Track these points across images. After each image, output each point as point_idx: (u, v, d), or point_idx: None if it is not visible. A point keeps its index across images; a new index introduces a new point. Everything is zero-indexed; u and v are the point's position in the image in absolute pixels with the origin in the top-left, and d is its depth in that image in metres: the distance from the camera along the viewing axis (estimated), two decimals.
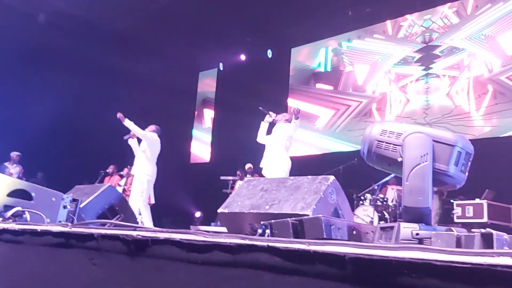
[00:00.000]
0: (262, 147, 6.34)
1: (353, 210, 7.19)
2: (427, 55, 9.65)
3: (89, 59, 11.17)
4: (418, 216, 2.01)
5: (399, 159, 2.11)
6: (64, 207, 2.82)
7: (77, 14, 10.72)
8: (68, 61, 11.13)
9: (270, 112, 6.25)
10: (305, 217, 1.98)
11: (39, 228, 1.85)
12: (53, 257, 1.74)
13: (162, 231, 1.47)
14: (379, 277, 0.93)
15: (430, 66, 9.63)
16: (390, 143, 2.19)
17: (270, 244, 1.12)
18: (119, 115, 6.69)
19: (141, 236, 1.40)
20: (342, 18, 10.13)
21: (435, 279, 0.86)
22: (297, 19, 10.15)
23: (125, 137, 7.02)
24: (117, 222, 2.55)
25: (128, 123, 6.70)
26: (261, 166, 6.08)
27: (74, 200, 3.01)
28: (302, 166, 6.46)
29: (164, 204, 8.76)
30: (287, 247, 1.09)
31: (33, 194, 2.69)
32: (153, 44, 11.51)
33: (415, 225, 1.84)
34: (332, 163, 8.48)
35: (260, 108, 6.29)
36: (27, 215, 2.56)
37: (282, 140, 6.01)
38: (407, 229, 1.82)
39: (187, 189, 11.32)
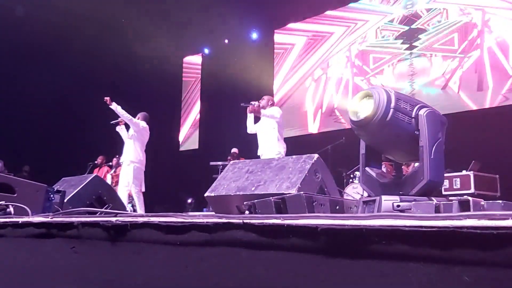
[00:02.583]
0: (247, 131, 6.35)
1: (343, 188, 7.23)
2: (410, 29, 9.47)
3: (74, 48, 11.01)
4: (437, 188, 2.02)
5: (416, 132, 1.99)
6: (49, 199, 2.80)
7: (58, 3, 10.52)
8: (52, 51, 10.95)
9: (252, 102, 6.19)
10: (287, 194, 1.99)
11: (20, 220, 1.84)
12: (36, 248, 1.73)
13: (142, 216, 1.47)
14: (351, 246, 0.94)
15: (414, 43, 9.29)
16: (406, 115, 2.03)
17: (246, 220, 1.12)
18: (106, 98, 6.56)
19: (120, 221, 1.40)
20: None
21: (404, 244, 0.87)
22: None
23: (112, 122, 6.93)
24: (99, 209, 2.54)
25: (115, 106, 6.58)
26: (258, 154, 6.08)
27: (58, 191, 2.99)
28: (290, 148, 6.47)
29: (156, 192, 8.76)
30: (261, 222, 1.09)
31: (16, 188, 2.67)
32: (137, 30, 11.35)
33: (396, 197, 1.86)
34: (320, 143, 8.51)
35: (242, 104, 6.23)
36: (11, 209, 2.54)
37: (271, 125, 5.99)
38: (388, 201, 1.84)
39: (178, 176, 11.32)
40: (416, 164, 2.15)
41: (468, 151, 6.92)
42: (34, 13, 10.61)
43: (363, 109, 2.02)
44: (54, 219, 1.68)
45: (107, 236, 1.43)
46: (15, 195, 2.67)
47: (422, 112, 1.97)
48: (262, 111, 6.04)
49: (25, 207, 2.49)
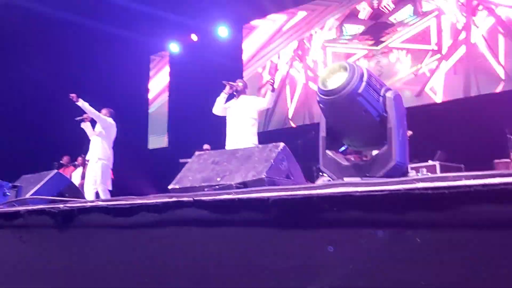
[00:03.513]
0: (221, 128, 6.18)
1: (313, 182, 7.25)
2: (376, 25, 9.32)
3: (38, 45, 10.69)
4: (403, 172, 1.98)
5: (384, 114, 1.94)
6: (4, 194, 2.68)
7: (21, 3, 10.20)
8: (17, 46, 10.61)
9: (237, 80, 5.63)
10: (249, 179, 1.94)
11: None
12: None
13: (91, 201, 1.40)
14: (302, 216, 0.90)
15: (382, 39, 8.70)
16: (376, 92, 1.98)
17: (196, 198, 1.07)
18: (72, 95, 6.34)
19: (68, 207, 1.33)
20: None
21: (356, 210, 0.84)
22: None
23: (77, 119, 6.73)
24: (52, 197, 2.44)
25: (82, 103, 6.38)
26: (227, 148, 5.52)
27: (14, 186, 2.86)
28: (261, 144, 6.43)
29: (124, 191, 8.55)
30: (212, 198, 1.05)
31: None
32: (103, 28, 11.11)
33: (358, 179, 1.84)
34: (289, 138, 8.50)
35: (224, 82, 5.64)
36: None
37: (251, 114, 5.42)
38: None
39: (147, 175, 11.12)
40: (375, 152, 2.12)
41: (434, 142, 7.03)
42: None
43: (335, 79, 1.95)
44: (1, 209, 1.58)
45: (54, 223, 1.35)
46: None
47: (390, 94, 1.95)
48: (271, 93, 5.32)
49: None
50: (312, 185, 1.00)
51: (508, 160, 5.91)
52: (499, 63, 7.07)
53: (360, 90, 1.88)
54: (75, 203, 1.34)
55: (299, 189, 0.94)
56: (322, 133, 2.17)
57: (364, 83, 1.90)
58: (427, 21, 8.07)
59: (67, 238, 1.32)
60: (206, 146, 9.30)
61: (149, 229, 1.13)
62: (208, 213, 1.05)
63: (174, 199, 1.11)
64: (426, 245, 0.76)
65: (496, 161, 6.04)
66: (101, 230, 1.23)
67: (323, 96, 1.99)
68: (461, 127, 7.23)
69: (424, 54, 7.95)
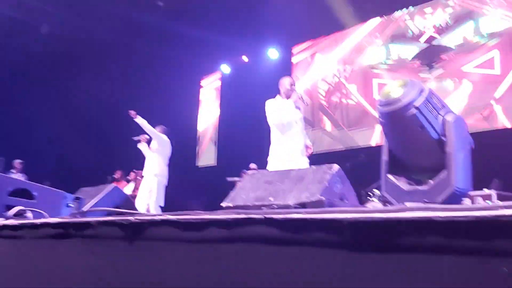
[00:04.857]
0: (267, 146, 6.20)
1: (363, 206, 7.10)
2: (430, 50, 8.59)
3: (97, 65, 11.23)
4: (461, 199, 1.93)
5: (443, 138, 1.89)
6: (67, 205, 2.80)
7: (80, 24, 10.78)
8: (78, 66, 11.18)
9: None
10: (308, 201, 1.93)
11: (38, 221, 1.83)
12: (52, 249, 1.71)
13: (160, 215, 1.43)
14: (378, 240, 0.89)
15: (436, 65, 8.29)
16: (435, 109, 1.95)
17: (267, 216, 1.08)
18: (131, 111, 6.59)
19: (138, 219, 1.37)
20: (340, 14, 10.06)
21: (438, 236, 0.82)
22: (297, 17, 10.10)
23: (134, 138, 6.97)
24: (118, 210, 2.52)
25: (140, 120, 6.62)
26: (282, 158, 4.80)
27: (77, 198, 2.99)
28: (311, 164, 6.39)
29: (174, 207, 8.73)
30: (284, 217, 1.05)
31: (35, 194, 2.67)
32: (154, 50, 11.53)
33: (421, 204, 1.79)
34: (338, 161, 8.40)
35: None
36: (29, 214, 2.54)
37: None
38: None
39: (195, 192, 11.29)
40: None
41: (487, 170, 6.76)
42: (55, 30, 10.87)
43: (395, 91, 1.94)
44: (71, 219, 1.66)
45: (124, 235, 1.40)
46: (34, 200, 2.67)
47: (450, 117, 1.91)
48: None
49: (43, 212, 2.49)
50: (387, 208, 0.99)
51: None
52: None
53: (417, 104, 1.86)
54: (145, 216, 1.38)
55: (374, 211, 0.93)
56: (384, 156, 2.14)
57: (422, 98, 1.87)
58: (490, 43, 7.65)
59: (136, 250, 1.36)
60: (252, 165, 9.36)
61: (218, 244, 1.15)
62: (278, 232, 1.05)
63: (243, 216, 1.13)
64: None
65: None
66: (170, 244, 1.26)
67: (381, 108, 1.98)
68: None
69: (488, 82, 7.58)
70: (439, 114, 1.91)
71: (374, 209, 0.93)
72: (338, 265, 0.95)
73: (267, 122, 5.47)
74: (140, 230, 1.34)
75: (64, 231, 1.64)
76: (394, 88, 1.95)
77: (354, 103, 9.85)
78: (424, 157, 2.03)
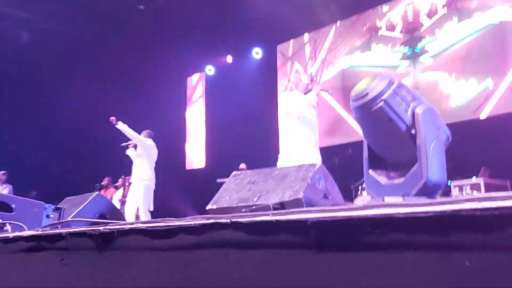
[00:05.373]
0: (258, 148, 6.19)
1: (352, 201, 7.11)
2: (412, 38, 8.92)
3: (78, 69, 11.14)
4: (440, 189, 1.91)
5: (412, 131, 1.87)
6: (47, 216, 2.76)
7: (63, 28, 10.68)
8: (56, 71, 11.06)
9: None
10: (287, 200, 1.92)
11: (11, 235, 1.79)
12: (26, 263, 1.67)
13: (130, 223, 1.41)
14: (343, 238, 0.88)
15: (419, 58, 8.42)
16: (404, 101, 1.94)
17: (233, 219, 1.06)
18: (111, 118, 6.53)
19: (108, 229, 1.34)
20: (324, 10, 10.08)
21: (399, 233, 0.80)
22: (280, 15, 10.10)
23: (122, 145, 6.92)
24: (93, 220, 2.49)
25: (121, 125, 6.55)
26: (290, 156, 4.82)
27: (57, 208, 2.95)
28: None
29: (163, 211, 8.69)
30: (250, 220, 1.03)
31: (13, 206, 2.63)
32: (139, 53, 11.46)
33: (399, 198, 1.79)
34: (326, 157, 8.41)
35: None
36: (8, 227, 2.50)
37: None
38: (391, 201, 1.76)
39: (185, 195, 11.25)
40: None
41: (477, 158, 6.80)
42: (39, 36, 10.76)
43: (363, 85, 1.92)
44: (43, 231, 1.62)
45: (95, 245, 1.37)
46: (13, 213, 2.63)
47: (419, 109, 1.90)
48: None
49: (22, 224, 2.44)
50: (352, 206, 0.98)
51: None
52: None
53: (384, 97, 1.85)
54: (115, 225, 1.36)
55: (339, 210, 0.91)
56: (364, 152, 2.14)
57: (390, 91, 1.86)
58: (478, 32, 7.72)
59: (107, 260, 1.33)
60: (242, 166, 9.33)
61: (187, 251, 1.13)
62: (245, 235, 1.03)
63: (211, 220, 1.10)
64: (476, 268, 0.72)
65: None
66: (140, 253, 1.24)
67: (352, 103, 1.97)
68: (505, 141, 6.98)
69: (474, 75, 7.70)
70: (408, 106, 1.90)
71: (338, 207, 0.91)
72: (305, 266, 0.93)
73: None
74: (110, 240, 1.32)
75: (37, 243, 1.61)
76: (364, 83, 1.94)
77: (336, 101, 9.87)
78: (398, 150, 2.02)
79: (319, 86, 4.96)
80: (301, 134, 4.70)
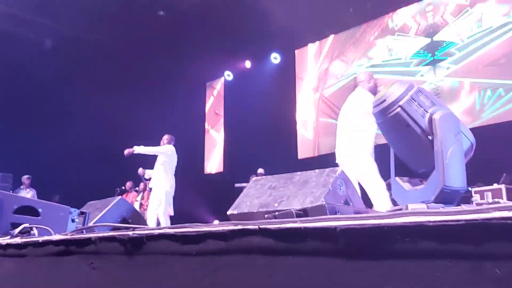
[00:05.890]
0: (276, 153, 6.20)
1: (370, 207, 7.06)
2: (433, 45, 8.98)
3: (100, 78, 11.32)
4: (459, 195, 1.90)
5: (429, 137, 1.87)
6: (73, 220, 2.81)
7: (86, 37, 10.89)
8: (80, 81, 11.28)
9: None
10: (309, 206, 1.93)
11: (40, 239, 1.84)
12: (55, 266, 1.72)
13: (159, 228, 1.44)
14: (372, 247, 0.89)
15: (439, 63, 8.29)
16: (421, 106, 1.92)
17: (261, 226, 1.08)
18: (126, 152, 6.59)
19: (137, 234, 1.37)
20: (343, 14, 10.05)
21: (429, 241, 0.81)
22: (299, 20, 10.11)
23: (139, 172, 7.12)
24: (118, 225, 2.53)
25: (138, 149, 6.62)
26: (336, 162, 4.82)
27: (82, 213, 3.00)
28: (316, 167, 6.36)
29: (183, 216, 8.76)
30: (278, 227, 1.05)
31: (40, 210, 2.69)
32: (160, 59, 11.59)
33: (423, 206, 1.78)
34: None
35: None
36: (35, 231, 2.55)
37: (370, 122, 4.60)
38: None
39: (203, 200, 11.31)
40: None
41: (499, 164, 6.70)
42: (61, 46, 10.99)
43: (383, 92, 1.93)
44: (73, 236, 1.66)
45: (124, 250, 1.40)
46: (39, 217, 2.68)
47: (437, 114, 1.89)
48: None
49: (48, 228, 2.50)
50: (381, 214, 0.99)
51: None
52: None
53: (401, 102, 1.84)
54: (144, 230, 1.39)
55: (368, 218, 0.92)
56: (392, 160, 2.14)
57: (407, 96, 1.85)
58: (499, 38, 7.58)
59: (136, 265, 1.36)
60: (260, 170, 9.37)
61: (216, 256, 1.15)
62: (274, 242, 1.05)
63: (239, 226, 1.12)
64: (507, 277, 0.72)
65: None
66: (169, 258, 1.26)
67: (373, 108, 1.98)
68: None
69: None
70: (426, 112, 1.90)
71: (367, 215, 0.92)
72: (334, 274, 0.94)
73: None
74: (139, 244, 1.34)
75: (66, 248, 1.65)
76: (384, 89, 1.95)
77: None
78: (418, 156, 2.02)
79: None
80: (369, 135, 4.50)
